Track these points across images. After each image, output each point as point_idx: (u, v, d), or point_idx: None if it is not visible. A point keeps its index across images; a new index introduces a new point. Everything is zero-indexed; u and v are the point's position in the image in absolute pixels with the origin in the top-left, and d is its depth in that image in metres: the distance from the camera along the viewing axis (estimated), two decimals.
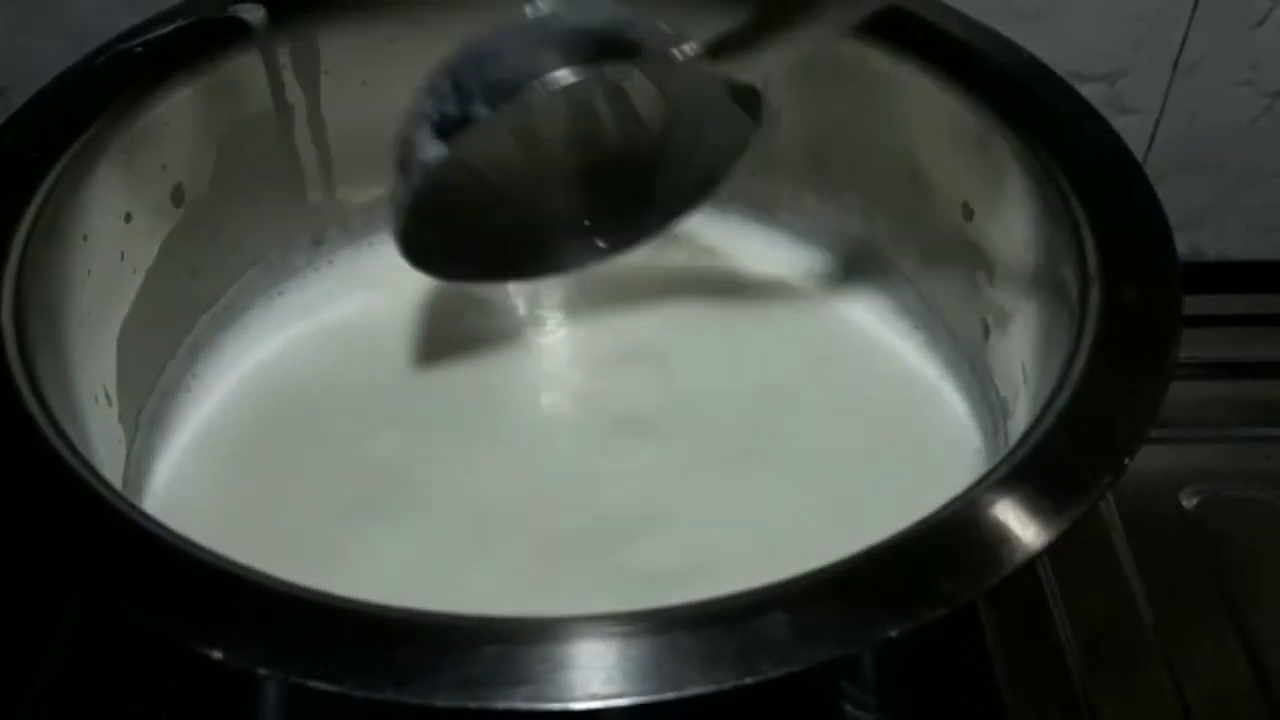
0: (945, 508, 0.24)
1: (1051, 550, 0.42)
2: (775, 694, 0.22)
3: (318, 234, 0.42)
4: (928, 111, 0.37)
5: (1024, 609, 0.43)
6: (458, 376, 0.38)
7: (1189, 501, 0.47)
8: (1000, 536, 0.23)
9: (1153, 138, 0.53)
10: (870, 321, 0.40)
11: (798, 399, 0.37)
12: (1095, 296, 0.28)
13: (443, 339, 0.39)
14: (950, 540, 0.23)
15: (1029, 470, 0.24)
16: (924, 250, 0.39)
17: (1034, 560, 0.22)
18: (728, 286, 0.42)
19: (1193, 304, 0.53)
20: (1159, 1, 0.48)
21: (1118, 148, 0.32)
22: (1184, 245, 0.55)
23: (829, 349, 0.39)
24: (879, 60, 0.38)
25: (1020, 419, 0.32)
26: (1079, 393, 0.26)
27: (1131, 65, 0.50)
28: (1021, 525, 0.23)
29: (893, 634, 0.21)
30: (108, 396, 0.34)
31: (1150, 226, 0.30)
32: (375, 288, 0.41)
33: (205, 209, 0.37)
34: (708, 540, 0.33)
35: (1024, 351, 0.34)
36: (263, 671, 0.20)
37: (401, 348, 0.39)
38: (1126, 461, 0.24)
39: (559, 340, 0.40)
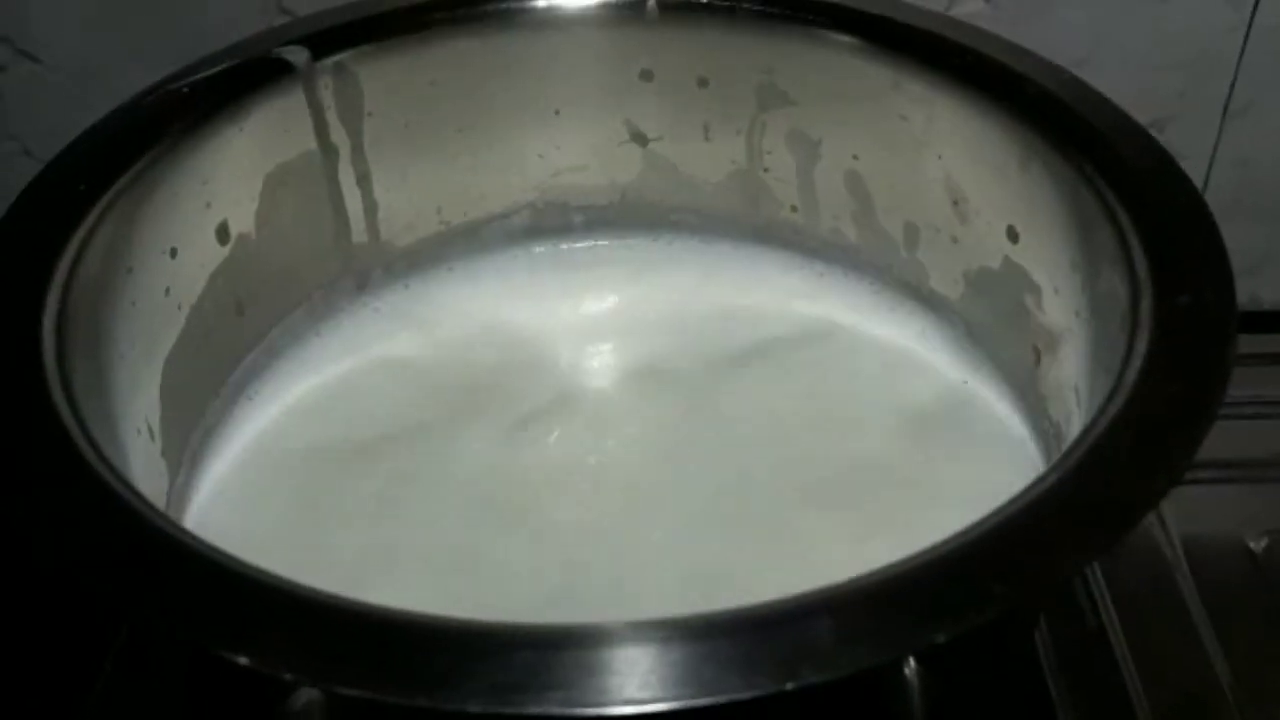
0: (994, 514, 0.23)
1: (1117, 593, 0.42)
2: (818, 707, 0.21)
3: (362, 276, 0.42)
4: (967, 136, 0.37)
5: (1088, 653, 0.42)
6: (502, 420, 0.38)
7: (1257, 544, 0.45)
8: (1052, 542, 0.22)
9: (1205, 184, 0.52)
10: (919, 350, 0.39)
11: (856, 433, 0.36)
12: (1146, 305, 0.27)
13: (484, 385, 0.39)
14: (1000, 545, 0.22)
15: (1082, 476, 0.23)
16: (970, 279, 0.39)
17: (1089, 564, 0.21)
18: (772, 322, 0.41)
19: (1256, 343, 0.53)
20: (1205, 47, 0.48)
21: (1163, 158, 0.31)
22: (1242, 294, 0.54)
23: (881, 379, 0.38)
24: (916, 87, 0.37)
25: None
26: (1133, 398, 0.25)
27: (1180, 111, 0.49)
28: (1074, 530, 0.22)
29: (940, 639, 0.20)
30: (150, 431, 0.34)
31: (1200, 232, 0.29)
32: (419, 328, 0.41)
33: (250, 247, 0.38)
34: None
35: (1077, 373, 0.33)
36: (290, 677, 0.20)
37: (443, 385, 0.39)
38: (1184, 464, 0.23)
39: (600, 373, 0.40)
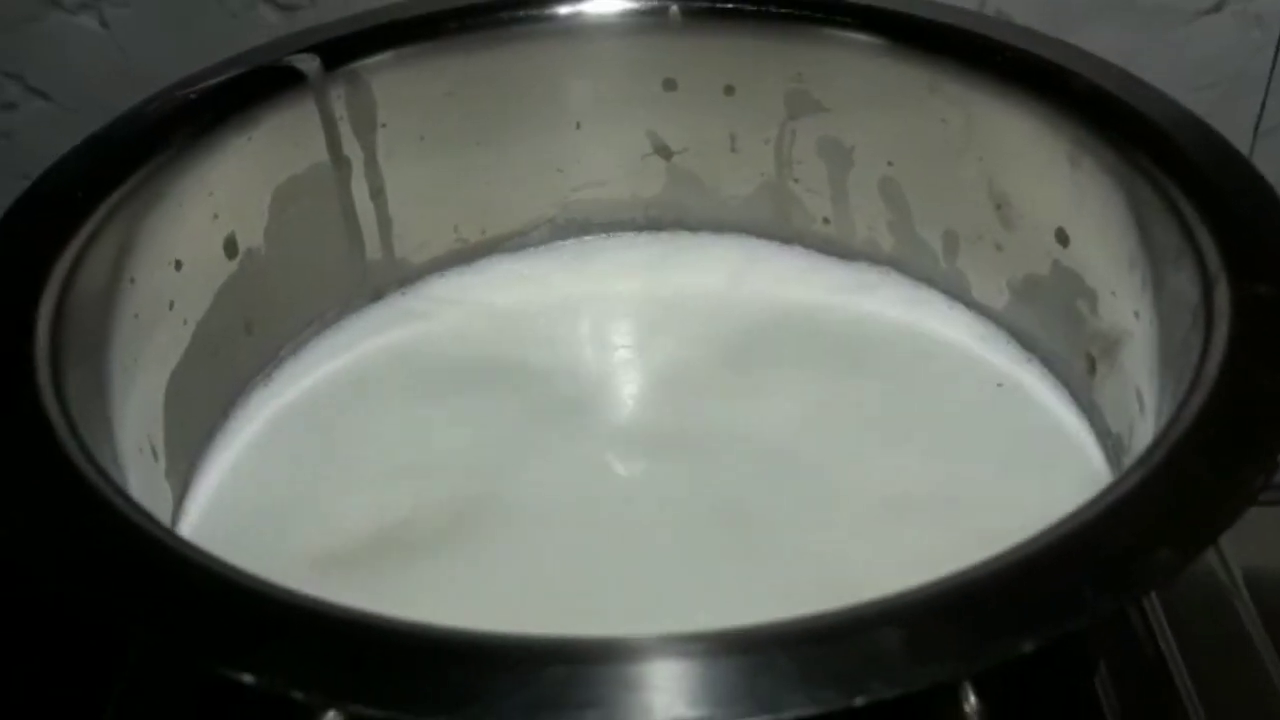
0: (1076, 514, 0.21)
1: (1176, 627, 0.40)
2: None
3: (377, 293, 0.40)
4: (1011, 136, 0.35)
5: (1151, 691, 0.39)
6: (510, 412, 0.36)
7: None
8: (1142, 542, 0.20)
9: None
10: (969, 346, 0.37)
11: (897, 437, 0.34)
12: (1222, 296, 0.25)
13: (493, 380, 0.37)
14: (1087, 547, 0.20)
15: (1170, 472, 0.21)
16: (1015, 288, 0.37)
17: (1189, 563, 0.19)
18: (812, 329, 0.39)
19: None
20: (1234, 67, 0.47)
21: (1223, 146, 0.29)
22: None
23: (932, 389, 0.36)
24: (954, 88, 0.36)
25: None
26: (1216, 391, 0.23)
27: None
28: (1165, 530, 0.20)
29: (1027, 648, 0.18)
30: (154, 450, 0.32)
31: (1272, 219, 0.27)
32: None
33: (259, 262, 0.36)
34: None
35: (1139, 378, 0.31)
36: (302, 697, 0.18)
37: (449, 382, 0.37)
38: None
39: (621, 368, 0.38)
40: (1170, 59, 0.46)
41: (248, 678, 0.18)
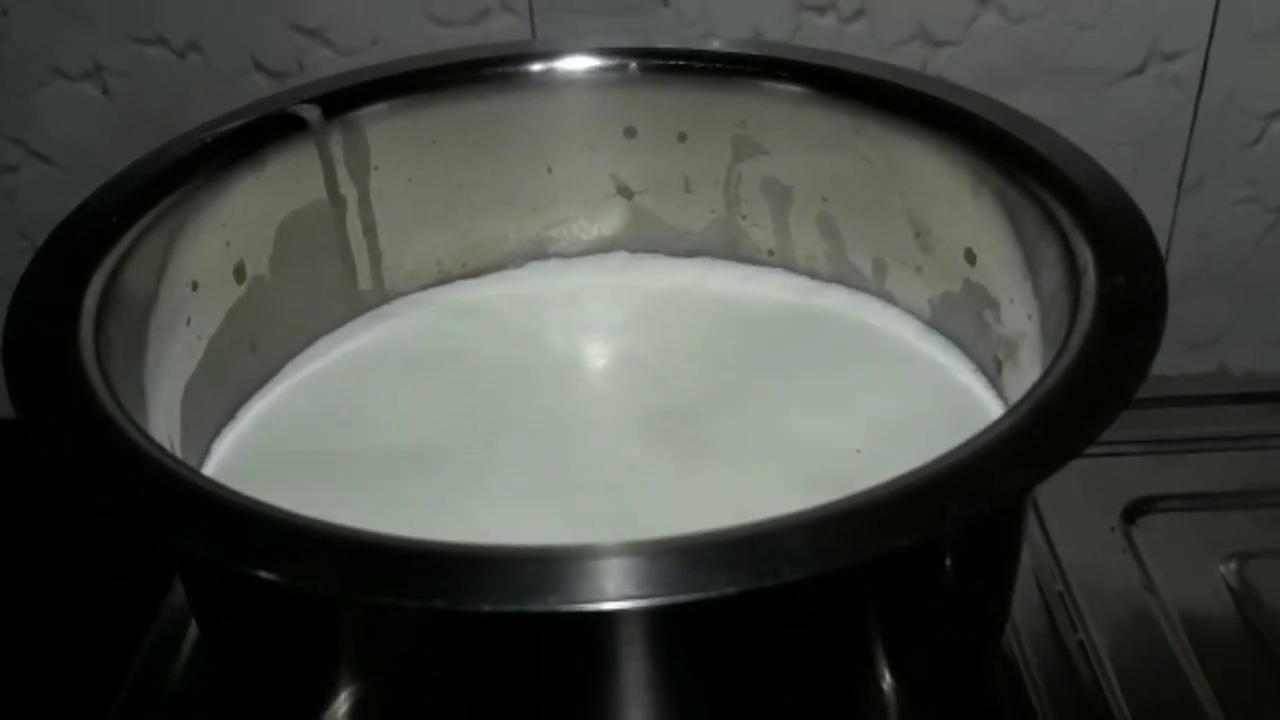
0: (954, 451, 0.25)
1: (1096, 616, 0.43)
2: (798, 624, 0.23)
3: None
4: (925, 171, 0.40)
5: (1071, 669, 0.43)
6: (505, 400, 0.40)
7: (1225, 567, 0.47)
8: (1007, 465, 0.24)
9: (1166, 256, 0.54)
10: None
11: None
12: (1089, 286, 0.30)
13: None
14: (956, 473, 0.24)
15: (1032, 416, 0.26)
16: (934, 304, 0.42)
17: (1035, 485, 0.23)
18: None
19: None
20: (1156, 125, 0.51)
21: (1097, 170, 0.34)
22: (1210, 362, 0.57)
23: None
24: (876, 130, 0.41)
25: None
26: (1077, 358, 0.27)
27: (1134, 186, 0.52)
28: (1026, 456, 0.25)
29: (904, 543, 0.22)
30: (173, 444, 0.36)
31: (1132, 227, 0.32)
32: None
33: (264, 288, 0.41)
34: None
35: (1033, 370, 0.35)
36: (319, 588, 0.22)
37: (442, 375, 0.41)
38: (1120, 406, 0.25)
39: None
40: (1096, 117, 0.51)
41: (281, 578, 0.22)
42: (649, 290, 0.45)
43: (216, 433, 0.39)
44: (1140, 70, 0.51)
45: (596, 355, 0.43)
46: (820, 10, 0.50)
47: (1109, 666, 0.43)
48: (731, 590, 0.21)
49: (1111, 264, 0.31)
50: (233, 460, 0.38)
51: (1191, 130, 0.52)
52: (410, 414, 0.39)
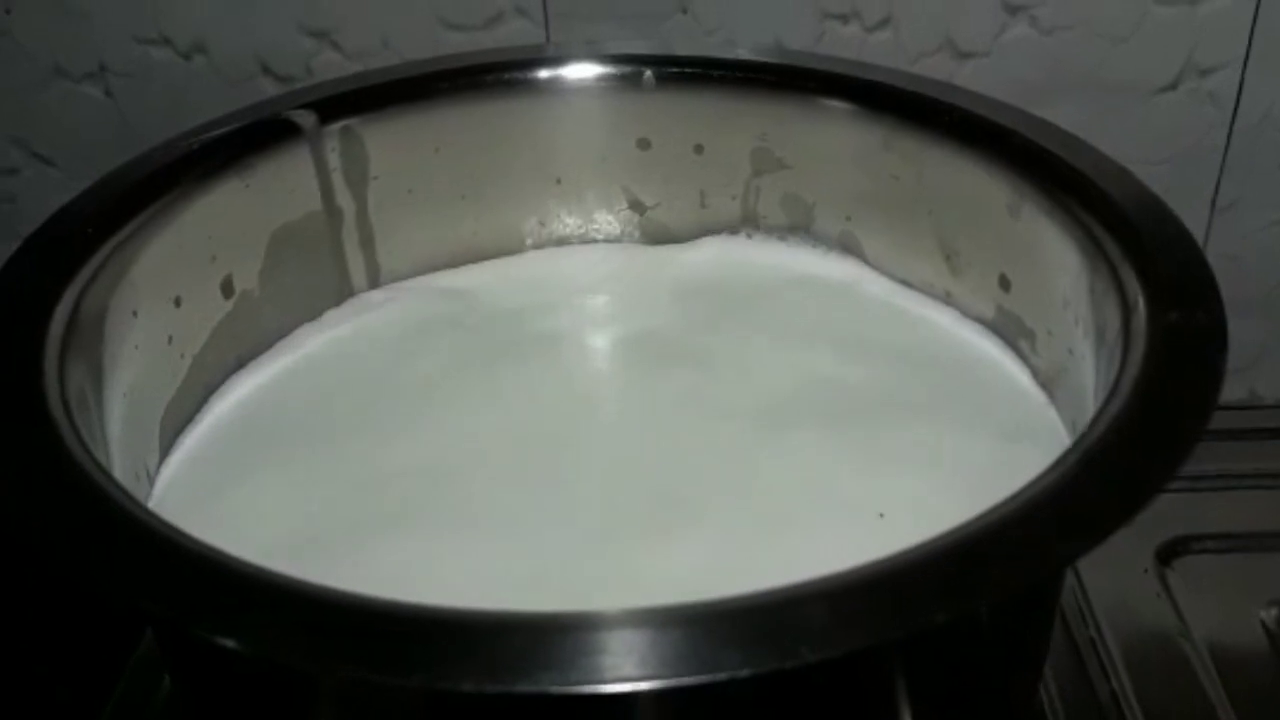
0: (994, 509, 0.23)
1: (1128, 659, 0.41)
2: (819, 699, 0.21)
3: None
4: (958, 189, 0.37)
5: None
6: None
7: (1266, 613, 0.45)
8: (1055, 532, 0.22)
9: None
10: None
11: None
12: (1139, 322, 0.28)
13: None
14: (1001, 535, 0.22)
15: (1083, 470, 0.23)
16: None
17: (1082, 554, 0.21)
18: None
19: (1256, 418, 0.53)
20: (1191, 143, 0.49)
21: (1145, 193, 0.32)
22: (1240, 389, 0.55)
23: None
24: (907, 145, 0.38)
25: None
26: (1132, 400, 0.25)
27: None
28: (1076, 520, 0.22)
29: (940, 619, 0.20)
30: (149, 477, 0.34)
31: (1186, 256, 0.29)
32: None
33: (254, 304, 0.38)
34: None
35: (1074, 410, 0.33)
36: (284, 660, 0.20)
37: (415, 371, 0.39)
38: (1181, 457, 0.23)
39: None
40: (1129, 133, 0.49)
41: (234, 645, 0.20)
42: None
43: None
44: (1174, 86, 0.49)
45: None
46: (844, 19, 0.47)
47: (1141, 718, 0.41)
48: (745, 673, 0.19)
49: (1165, 297, 0.28)
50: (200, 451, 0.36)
51: (1226, 149, 0.50)
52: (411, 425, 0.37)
